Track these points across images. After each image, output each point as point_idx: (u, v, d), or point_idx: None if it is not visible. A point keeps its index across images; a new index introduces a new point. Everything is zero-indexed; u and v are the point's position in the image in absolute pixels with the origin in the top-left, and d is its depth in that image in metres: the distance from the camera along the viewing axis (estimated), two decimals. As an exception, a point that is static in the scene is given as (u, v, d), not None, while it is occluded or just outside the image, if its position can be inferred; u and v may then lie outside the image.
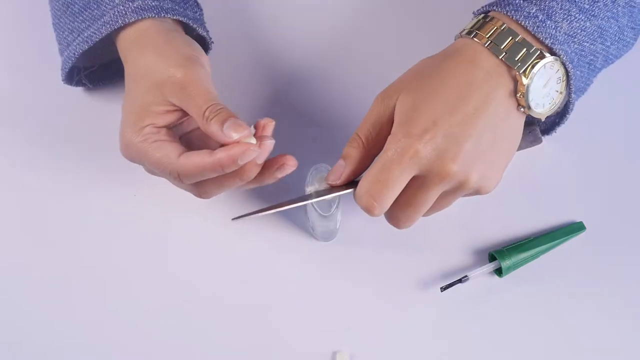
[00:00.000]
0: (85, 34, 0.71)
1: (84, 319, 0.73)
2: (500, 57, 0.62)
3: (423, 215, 0.66)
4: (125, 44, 0.70)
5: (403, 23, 0.84)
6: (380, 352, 0.72)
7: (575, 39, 0.64)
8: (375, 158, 0.64)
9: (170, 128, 0.67)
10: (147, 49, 0.68)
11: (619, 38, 0.67)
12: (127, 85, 0.69)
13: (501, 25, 0.63)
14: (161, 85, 0.66)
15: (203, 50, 0.70)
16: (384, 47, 0.82)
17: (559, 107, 0.66)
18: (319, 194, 0.67)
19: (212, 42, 0.77)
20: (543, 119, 0.66)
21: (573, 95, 0.65)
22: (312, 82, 0.81)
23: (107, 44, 0.73)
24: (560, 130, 0.72)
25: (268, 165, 0.65)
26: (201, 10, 0.77)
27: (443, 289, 0.71)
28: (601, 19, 0.65)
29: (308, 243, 0.75)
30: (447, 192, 0.63)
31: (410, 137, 0.61)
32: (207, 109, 0.64)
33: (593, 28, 0.64)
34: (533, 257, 0.73)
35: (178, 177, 0.65)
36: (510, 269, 0.72)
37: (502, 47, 0.62)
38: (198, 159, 0.63)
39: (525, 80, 0.62)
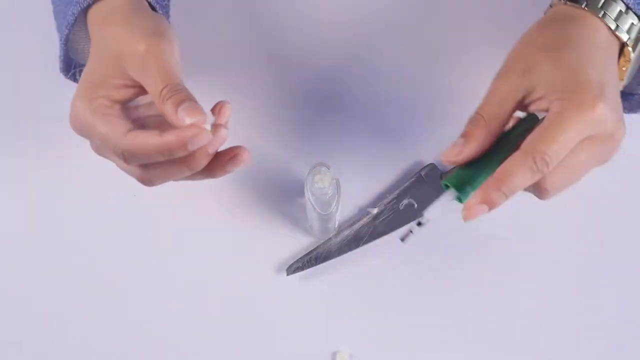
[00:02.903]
0: (68, 19, 0.68)
1: (82, 320, 0.73)
2: (613, 28, 0.60)
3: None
4: (95, 19, 0.67)
5: (407, 20, 0.84)
6: (380, 352, 0.72)
7: None
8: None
9: (124, 105, 0.64)
10: (115, 23, 0.64)
11: None
12: (89, 57, 0.65)
13: None
14: (122, 57, 0.62)
15: (173, 26, 0.66)
16: (388, 46, 0.82)
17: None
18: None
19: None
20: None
21: None
22: (312, 81, 0.81)
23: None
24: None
25: (220, 156, 0.60)
26: None
27: (402, 239, 0.63)
28: None
29: (308, 242, 0.75)
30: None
31: (592, 96, 0.56)
32: (164, 87, 0.60)
33: None
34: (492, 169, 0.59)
35: (122, 156, 0.60)
36: (470, 192, 0.60)
37: (613, 18, 0.60)
38: (145, 137, 0.59)
39: (632, 55, 0.60)
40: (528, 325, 0.72)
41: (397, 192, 0.76)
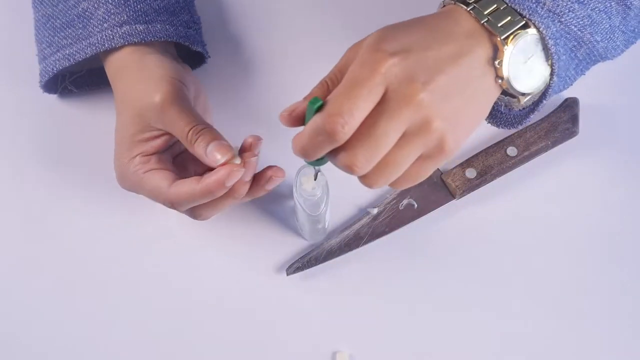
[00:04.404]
0: (67, 51, 0.72)
1: (81, 320, 0.73)
2: (483, 22, 0.58)
3: (390, 183, 0.59)
4: (110, 73, 0.71)
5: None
6: (380, 352, 0.72)
7: (562, 19, 0.60)
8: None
9: (161, 153, 0.68)
10: (125, 78, 0.69)
11: (609, 37, 0.63)
12: (116, 115, 0.70)
13: None
14: (142, 112, 0.66)
15: (181, 69, 0.70)
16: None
17: (539, 93, 0.62)
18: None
19: (209, 56, 0.77)
20: (522, 102, 0.61)
21: (555, 78, 0.61)
22: (308, 81, 0.81)
23: (92, 57, 0.73)
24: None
25: (257, 179, 0.65)
26: (197, 24, 0.77)
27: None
28: (591, 9, 0.62)
29: (308, 242, 0.75)
30: (408, 135, 0.56)
31: (382, 51, 0.55)
32: (189, 131, 0.64)
33: (583, 14, 0.61)
34: None
35: (172, 206, 0.66)
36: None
37: (485, 13, 0.59)
38: (188, 187, 0.64)
39: (505, 48, 0.58)
40: (528, 325, 0.73)
41: (397, 192, 0.76)
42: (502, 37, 0.58)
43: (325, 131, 0.54)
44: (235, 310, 0.73)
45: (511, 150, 0.77)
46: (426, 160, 0.58)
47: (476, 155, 0.77)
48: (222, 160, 0.63)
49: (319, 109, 0.55)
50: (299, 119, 0.58)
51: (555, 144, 0.78)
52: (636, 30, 0.65)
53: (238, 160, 0.63)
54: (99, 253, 0.75)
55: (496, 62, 0.59)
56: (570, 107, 0.78)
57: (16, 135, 0.79)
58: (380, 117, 0.55)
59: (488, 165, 0.76)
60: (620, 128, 0.79)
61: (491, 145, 0.77)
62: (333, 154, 0.57)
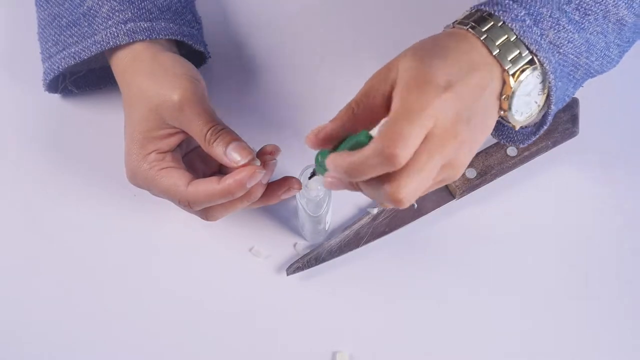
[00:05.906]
0: (73, 49, 0.72)
1: (80, 320, 0.73)
2: (494, 54, 0.58)
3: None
4: (119, 68, 0.71)
5: (403, 27, 0.84)
6: (380, 352, 0.72)
7: (561, 50, 0.61)
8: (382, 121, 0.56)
9: (173, 151, 0.68)
10: (139, 73, 0.68)
11: (604, 54, 0.64)
12: (125, 111, 0.69)
13: (498, 22, 0.59)
14: (158, 109, 0.66)
15: (194, 67, 0.70)
16: (385, 50, 0.82)
17: (535, 119, 0.63)
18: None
19: (210, 56, 0.77)
20: (517, 127, 0.62)
21: (552, 107, 0.62)
22: (307, 83, 0.81)
23: (95, 56, 0.73)
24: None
25: (274, 187, 0.66)
26: (199, 24, 0.77)
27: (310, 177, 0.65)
28: (590, 33, 0.62)
29: (307, 242, 0.75)
30: (443, 165, 0.57)
31: (433, 84, 0.54)
32: (208, 131, 0.64)
33: (581, 41, 0.62)
34: None
35: (188, 205, 0.65)
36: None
37: (497, 44, 0.59)
38: (207, 186, 0.64)
39: (513, 84, 0.58)
40: (528, 324, 0.73)
41: (397, 192, 0.76)
42: (511, 73, 0.58)
43: (384, 154, 0.53)
44: (235, 310, 0.73)
45: (511, 150, 0.77)
46: (439, 183, 0.59)
47: (476, 155, 0.77)
48: (243, 162, 0.63)
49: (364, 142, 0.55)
50: (326, 142, 0.57)
51: (555, 144, 0.78)
52: (630, 40, 0.66)
53: (258, 162, 0.64)
54: (100, 253, 0.75)
55: (502, 97, 0.59)
56: (570, 107, 0.78)
57: (19, 135, 0.79)
58: (433, 152, 0.55)
59: (488, 165, 0.76)
60: (620, 128, 0.79)
61: (491, 145, 0.77)
62: (375, 184, 0.55)
